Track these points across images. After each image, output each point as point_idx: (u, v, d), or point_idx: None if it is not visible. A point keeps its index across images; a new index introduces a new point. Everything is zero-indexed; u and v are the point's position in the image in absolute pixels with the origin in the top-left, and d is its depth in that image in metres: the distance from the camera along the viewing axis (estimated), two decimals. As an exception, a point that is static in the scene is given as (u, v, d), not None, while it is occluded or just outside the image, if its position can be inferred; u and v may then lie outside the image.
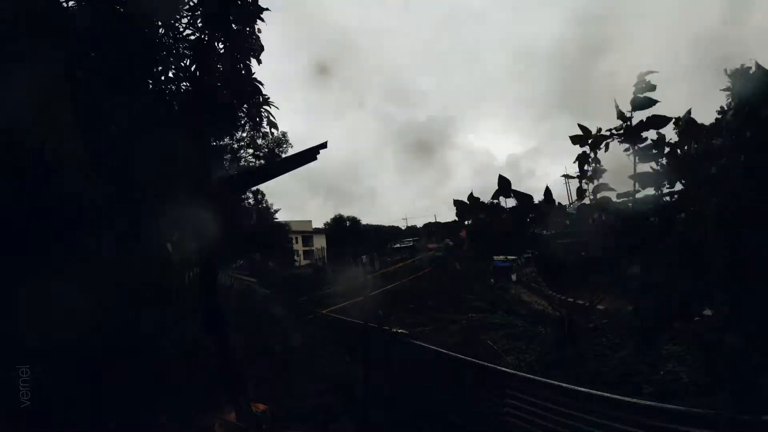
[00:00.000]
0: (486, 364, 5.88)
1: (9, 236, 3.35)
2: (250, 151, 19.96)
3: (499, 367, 5.61)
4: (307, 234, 50.52)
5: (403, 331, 7.47)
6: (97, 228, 3.69)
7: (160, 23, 4.11)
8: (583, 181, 2.21)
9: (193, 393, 4.94)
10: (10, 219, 3.35)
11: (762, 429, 2.37)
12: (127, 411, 3.87)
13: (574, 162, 2.27)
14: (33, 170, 3.38)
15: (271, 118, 5.32)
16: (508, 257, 28.22)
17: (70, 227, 3.59)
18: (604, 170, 2.21)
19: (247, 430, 3.93)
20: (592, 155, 2.22)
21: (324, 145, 5.33)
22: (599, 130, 2.19)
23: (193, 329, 5.00)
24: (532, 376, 5.09)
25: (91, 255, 3.61)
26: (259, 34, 4.65)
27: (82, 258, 3.58)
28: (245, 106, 4.92)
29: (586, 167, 2.20)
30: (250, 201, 17.72)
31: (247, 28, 4.54)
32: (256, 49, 4.65)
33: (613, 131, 2.14)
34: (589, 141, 2.20)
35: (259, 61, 4.74)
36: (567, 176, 2.39)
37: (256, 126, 5.38)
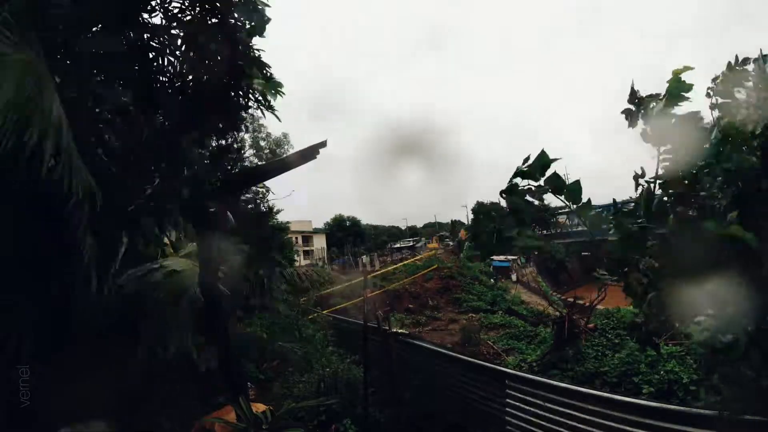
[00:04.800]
0: (486, 363, 5.89)
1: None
2: (253, 150, 19.95)
3: (499, 367, 5.61)
4: (307, 234, 50.52)
5: (403, 331, 7.47)
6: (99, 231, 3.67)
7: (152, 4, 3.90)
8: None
9: (193, 393, 4.94)
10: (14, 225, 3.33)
11: (762, 429, 2.37)
12: (127, 411, 3.87)
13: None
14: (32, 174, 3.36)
15: (277, 86, 4.93)
16: (508, 257, 28.28)
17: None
18: None
19: (248, 430, 3.92)
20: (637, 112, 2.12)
21: (323, 144, 5.32)
22: (640, 94, 2.13)
23: (194, 329, 5.00)
24: (532, 376, 5.09)
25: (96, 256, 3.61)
26: (266, 6, 4.29)
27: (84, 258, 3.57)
28: (244, 85, 4.54)
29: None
30: (250, 201, 17.72)
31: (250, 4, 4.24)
32: (259, 23, 4.30)
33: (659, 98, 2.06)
34: (636, 100, 2.11)
35: (261, 32, 4.35)
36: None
37: (265, 103, 4.87)
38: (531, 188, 1.93)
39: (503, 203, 2.08)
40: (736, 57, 2.07)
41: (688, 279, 1.69)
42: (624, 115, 2.15)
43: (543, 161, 1.89)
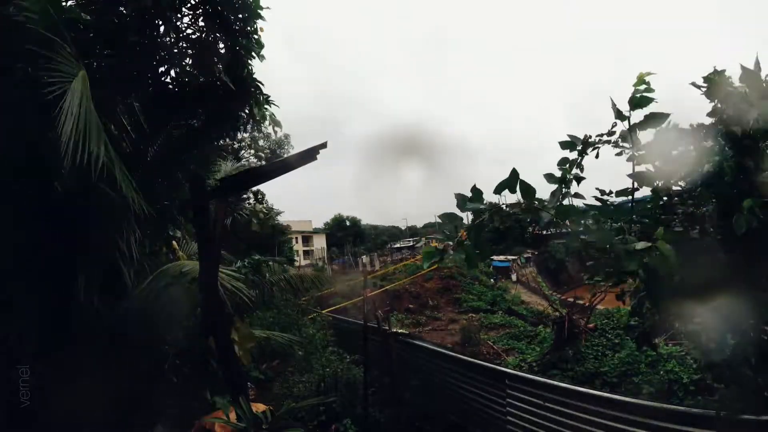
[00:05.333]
0: (486, 363, 5.89)
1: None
2: (252, 151, 19.96)
3: (499, 367, 5.61)
4: (307, 234, 50.55)
5: (403, 331, 7.47)
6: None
7: (161, 21, 4.10)
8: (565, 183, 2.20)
9: (193, 393, 4.94)
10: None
11: (762, 429, 2.37)
12: (128, 411, 3.88)
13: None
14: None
15: (274, 117, 5.30)
16: (508, 257, 28.32)
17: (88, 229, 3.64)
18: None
19: (248, 430, 3.92)
20: (578, 159, 2.22)
21: (324, 145, 5.32)
22: (587, 136, 2.21)
23: (194, 330, 5.01)
24: (532, 376, 5.09)
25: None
26: (260, 33, 4.63)
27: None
28: (246, 106, 4.90)
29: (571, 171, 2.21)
30: (251, 201, 17.75)
31: (248, 27, 4.52)
32: (257, 48, 4.65)
33: (604, 135, 2.15)
34: (578, 147, 2.20)
35: (262, 58, 4.70)
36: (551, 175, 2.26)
37: (257, 125, 5.32)
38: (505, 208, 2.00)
39: (501, 201, 2.10)
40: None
41: (680, 286, 1.70)
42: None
43: (514, 178, 1.97)
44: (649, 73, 1.99)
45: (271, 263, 7.56)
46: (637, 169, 2.05)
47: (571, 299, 12.64)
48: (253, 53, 4.62)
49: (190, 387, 4.89)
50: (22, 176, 3.40)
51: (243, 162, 18.14)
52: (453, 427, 5.69)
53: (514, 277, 26.32)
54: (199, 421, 4.23)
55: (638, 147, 2.02)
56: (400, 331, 7.36)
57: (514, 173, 1.94)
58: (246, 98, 4.76)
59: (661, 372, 7.33)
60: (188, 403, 4.76)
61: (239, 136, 18.08)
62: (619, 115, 2.06)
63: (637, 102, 2.00)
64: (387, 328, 6.90)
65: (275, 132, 5.45)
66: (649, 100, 1.99)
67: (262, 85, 4.85)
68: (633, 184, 2.08)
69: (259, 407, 4.37)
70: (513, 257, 28.70)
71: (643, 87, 1.99)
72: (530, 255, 31.59)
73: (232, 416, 4.05)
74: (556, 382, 4.68)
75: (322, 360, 7.33)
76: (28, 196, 3.45)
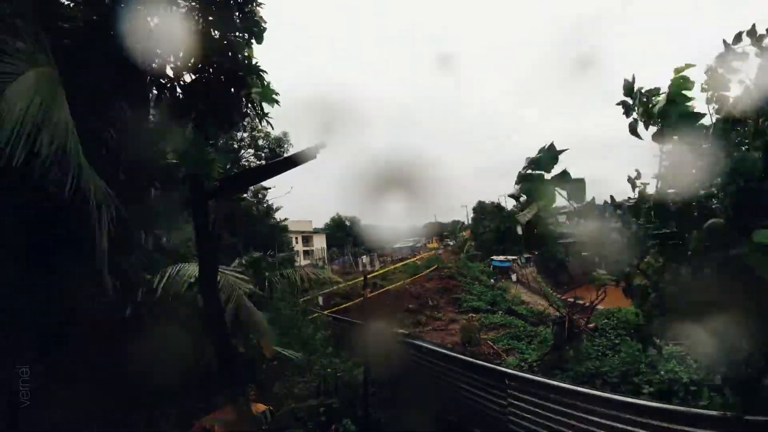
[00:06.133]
0: (486, 363, 5.88)
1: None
2: (251, 151, 19.90)
3: (499, 367, 5.61)
4: (308, 234, 50.54)
5: (403, 331, 7.48)
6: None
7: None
8: None
9: (193, 394, 4.94)
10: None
11: (763, 429, 2.37)
12: (127, 411, 3.87)
13: None
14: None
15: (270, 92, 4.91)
16: (508, 257, 28.31)
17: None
18: None
19: (248, 430, 3.92)
20: None
21: (323, 145, 5.32)
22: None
23: (193, 330, 5.00)
24: (532, 376, 5.08)
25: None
26: (260, 14, 4.42)
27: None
28: (242, 91, 4.58)
29: None
30: (250, 200, 17.71)
31: (246, 8, 4.36)
32: (256, 30, 4.43)
33: None
34: (632, 93, 2.04)
35: (260, 40, 4.49)
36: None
37: (254, 108, 4.93)
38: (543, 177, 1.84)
39: (503, 203, 2.06)
40: (737, 34, 1.95)
41: (692, 301, 1.66)
42: (622, 107, 2.09)
43: (552, 153, 1.82)
44: (687, 66, 1.87)
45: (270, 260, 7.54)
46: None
47: (572, 299, 12.63)
48: (252, 37, 4.40)
49: (190, 387, 4.88)
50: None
51: (243, 162, 18.08)
52: (453, 427, 5.69)
53: (514, 277, 26.29)
54: (199, 421, 4.22)
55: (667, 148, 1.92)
56: (400, 330, 7.36)
57: (552, 147, 1.74)
58: (241, 83, 4.54)
59: (661, 372, 7.32)
60: (188, 403, 4.75)
61: (239, 135, 18.00)
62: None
63: (673, 99, 1.87)
64: (387, 327, 6.89)
65: (272, 104, 5.13)
66: (686, 99, 1.87)
67: (265, 72, 4.62)
68: (657, 183, 1.99)
69: (259, 407, 4.36)
70: (513, 257, 28.69)
71: (680, 83, 1.86)
72: (530, 255, 31.53)
73: (232, 416, 4.05)
74: (556, 382, 4.67)
75: (322, 360, 7.32)
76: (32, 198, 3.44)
